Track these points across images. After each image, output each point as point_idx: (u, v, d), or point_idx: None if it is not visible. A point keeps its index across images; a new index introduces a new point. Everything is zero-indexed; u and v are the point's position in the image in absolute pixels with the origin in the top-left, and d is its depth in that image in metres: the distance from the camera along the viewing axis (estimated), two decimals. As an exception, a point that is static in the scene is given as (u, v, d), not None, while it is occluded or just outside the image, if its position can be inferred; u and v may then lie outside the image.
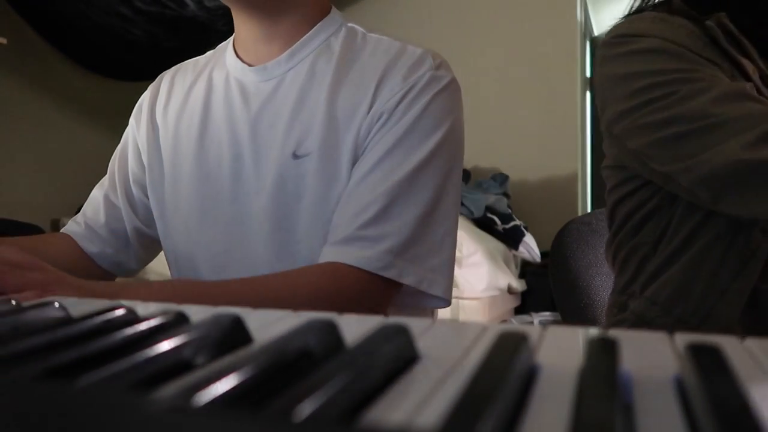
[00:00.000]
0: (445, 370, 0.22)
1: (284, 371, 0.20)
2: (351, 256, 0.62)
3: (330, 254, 0.63)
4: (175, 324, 0.27)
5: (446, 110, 0.69)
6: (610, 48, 0.77)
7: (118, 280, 0.86)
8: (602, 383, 0.18)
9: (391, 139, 0.66)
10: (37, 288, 0.46)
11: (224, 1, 0.72)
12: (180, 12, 2.62)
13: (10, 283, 0.47)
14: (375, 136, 0.67)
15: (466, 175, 2.91)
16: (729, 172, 0.63)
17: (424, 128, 0.67)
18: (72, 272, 0.55)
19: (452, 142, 0.69)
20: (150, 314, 0.28)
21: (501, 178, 2.90)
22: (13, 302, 0.36)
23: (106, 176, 0.88)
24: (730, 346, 0.24)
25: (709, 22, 0.73)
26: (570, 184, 2.97)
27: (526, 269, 2.73)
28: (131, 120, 0.87)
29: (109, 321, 0.28)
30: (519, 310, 2.72)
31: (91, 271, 0.82)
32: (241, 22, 0.76)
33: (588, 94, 3.31)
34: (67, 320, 0.29)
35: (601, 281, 1.00)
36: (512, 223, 2.61)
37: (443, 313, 2.22)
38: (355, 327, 0.28)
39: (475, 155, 3.03)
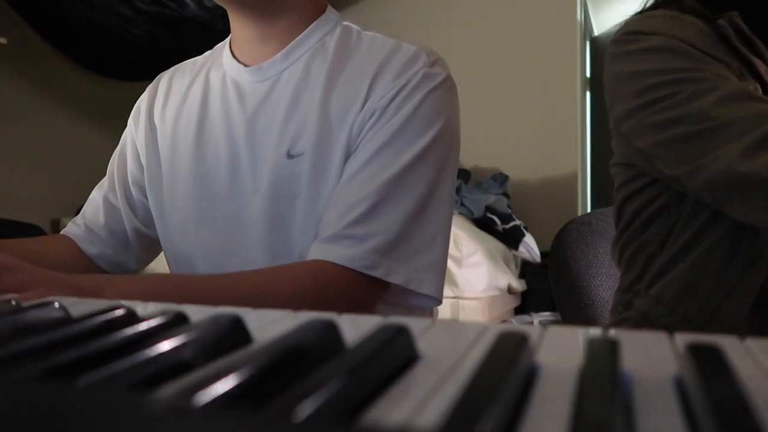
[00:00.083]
0: (445, 370, 0.22)
1: (284, 371, 0.20)
2: (336, 254, 0.62)
3: (317, 252, 0.63)
4: (174, 324, 0.27)
5: (440, 108, 0.68)
6: (620, 45, 0.77)
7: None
8: (602, 383, 0.18)
9: (382, 137, 0.66)
10: (16, 290, 0.45)
11: (219, 1, 0.71)
12: (180, 12, 2.62)
13: None
14: (367, 134, 0.67)
15: (466, 175, 2.91)
16: (727, 181, 0.63)
17: (417, 126, 0.67)
18: (72, 273, 0.55)
19: (446, 139, 0.69)
20: (150, 314, 0.28)
21: (501, 178, 2.90)
22: (13, 302, 0.36)
23: (105, 177, 0.88)
24: (731, 346, 0.24)
25: (721, 21, 0.73)
26: (570, 184, 2.97)
27: (526, 269, 2.73)
28: (129, 121, 0.87)
29: (108, 321, 0.28)
30: (519, 310, 2.72)
31: (92, 272, 0.82)
32: (236, 22, 0.76)
33: (588, 94, 3.31)
34: (67, 320, 0.29)
35: (601, 281, 1.00)
36: (512, 223, 2.61)
37: (443, 313, 2.22)
38: (355, 327, 0.28)
39: (475, 155, 3.03)
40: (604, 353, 0.21)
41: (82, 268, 0.80)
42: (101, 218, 0.84)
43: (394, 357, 0.22)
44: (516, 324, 1.91)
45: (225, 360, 0.23)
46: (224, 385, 0.17)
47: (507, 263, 2.50)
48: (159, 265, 0.98)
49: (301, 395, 0.16)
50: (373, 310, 0.66)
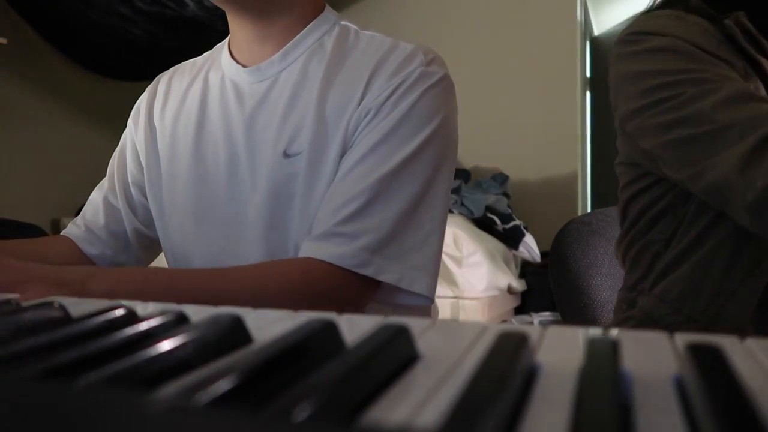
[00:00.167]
0: (445, 370, 0.22)
1: (284, 371, 0.20)
2: (326, 252, 0.61)
3: (307, 249, 0.63)
4: (174, 324, 0.27)
5: (436, 106, 0.68)
6: (624, 45, 0.77)
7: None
8: (602, 383, 0.18)
9: (377, 134, 0.66)
10: (4, 290, 0.45)
11: (216, 2, 0.71)
12: (180, 12, 2.62)
13: None
14: (362, 132, 0.67)
15: (466, 174, 2.91)
16: (725, 188, 0.64)
17: (412, 124, 0.66)
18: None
19: (442, 138, 0.68)
20: (150, 314, 0.28)
21: (501, 178, 2.90)
22: (13, 302, 0.36)
23: (105, 178, 0.88)
24: (731, 345, 0.24)
25: (728, 21, 0.73)
26: (570, 184, 2.97)
27: (526, 269, 2.73)
28: (129, 122, 0.87)
29: (108, 321, 0.28)
30: (519, 310, 2.72)
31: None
32: (234, 23, 0.76)
33: (588, 94, 3.31)
34: (67, 320, 0.29)
35: (601, 281, 1.00)
36: (512, 223, 2.61)
37: (443, 313, 2.22)
38: (355, 327, 0.28)
39: (475, 155, 3.03)
40: (604, 353, 0.21)
41: (82, 269, 0.80)
42: (101, 219, 0.84)
43: (394, 357, 0.22)
44: (516, 324, 1.91)
45: (225, 360, 0.23)
46: (224, 385, 0.17)
47: (507, 263, 2.50)
48: (159, 264, 0.98)
49: (301, 395, 0.16)
50: (363, 308, 0.65)
